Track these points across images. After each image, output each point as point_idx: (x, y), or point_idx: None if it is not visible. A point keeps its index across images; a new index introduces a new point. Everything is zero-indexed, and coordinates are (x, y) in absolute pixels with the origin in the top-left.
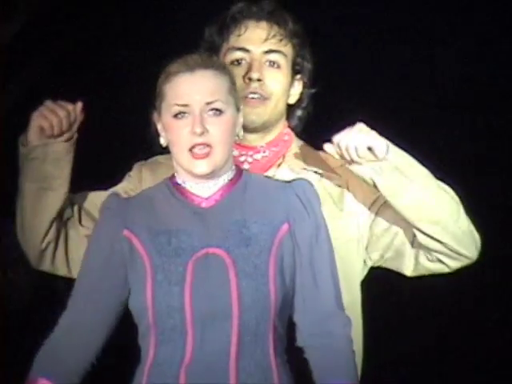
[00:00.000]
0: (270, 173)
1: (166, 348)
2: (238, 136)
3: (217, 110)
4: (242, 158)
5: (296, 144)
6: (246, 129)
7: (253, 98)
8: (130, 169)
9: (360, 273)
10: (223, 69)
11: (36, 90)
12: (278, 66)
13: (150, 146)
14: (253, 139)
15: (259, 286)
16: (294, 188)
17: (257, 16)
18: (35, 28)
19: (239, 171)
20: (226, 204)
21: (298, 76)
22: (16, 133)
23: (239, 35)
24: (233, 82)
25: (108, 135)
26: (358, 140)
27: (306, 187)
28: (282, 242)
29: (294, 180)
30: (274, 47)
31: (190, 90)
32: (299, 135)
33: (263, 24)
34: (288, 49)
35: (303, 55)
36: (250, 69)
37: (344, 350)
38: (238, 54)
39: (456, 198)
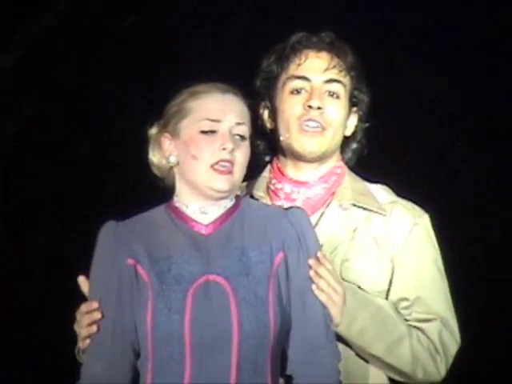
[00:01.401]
0: (323, 210)
1: (164, 376)
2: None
3: (242, 135)
4: (295, 196)
5: (348, 178)
6: (303, 159)
7: (312, 127)
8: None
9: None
10: (242, 97)
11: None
12: (338, 97)
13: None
14: (307, 170)
15: (259, 315)
16: (289, 217)
17: (317, 46)
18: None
19: (238, 199)
20: (226, 231)
21: (355, 109)
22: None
23: (299, 64)
24: (248, 111)
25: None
26: (326, 286)
27: (301, 216)
28: (278, 270)
29: (290, 208)
30: (334, 77)
31: (222, 108)
32: (352, 169)
33: (323, 54)
34: (347, 80)
35: (360, 88)
36: (310, 97)
37: (331, 381)
38: (298, 83)
39: (418, 354)
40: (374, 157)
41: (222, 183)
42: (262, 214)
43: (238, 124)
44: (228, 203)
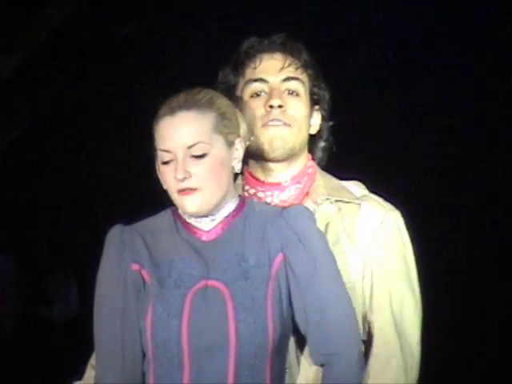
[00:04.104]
0: None
1: (164, 380)
2: (235, 170)
3: (199, 155)
4: (269, 199)
5: (320, 176)
6: (271, 158)
7: (275, 125)
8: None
9: (361, 318)
10: (209, 106)
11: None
12: (298, 94)
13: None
14: (277, 171)
15: (257, 319)
16: (284, 216)
17: (270, 48)
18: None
19: (242, 202)
20: (227, 237)
21: (317, 107)
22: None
23: (255, 68)
24: (223, 117)
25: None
26: None
27: (297, 213)
28: (277, 272)
29: (287, 207)
30: (291, 75)
31: (171, 136)
32: (324, 168)
33: (277, 55)
34: (304, 77)
35: (319, 85)
36: (270, 97)
37: (354, 368)
38: (257, 86)
39: None
40: (347, 155)
41: (190, 207)
42: (262, 216)
43: (191, 147)
44: (228, 209)
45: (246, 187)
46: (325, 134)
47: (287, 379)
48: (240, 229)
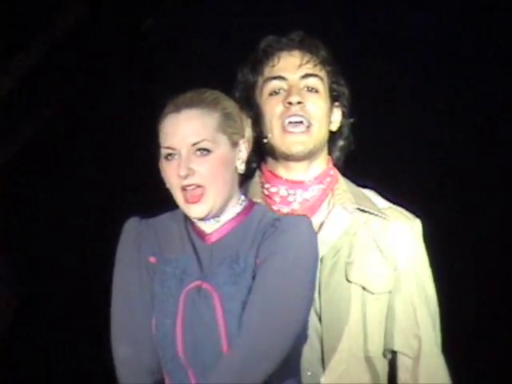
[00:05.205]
0: (323, 212)
1: (175, 379)
2: (238, 171)
3: (204, 149)
4: (291, 198)
5: (344, 181)
6: (291, 158)
7: (295, 123)
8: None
9: (384, 330)
10: (214, 105)
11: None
12: (317, 91)
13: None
14: (299, 169)
15: None
16: (277, 226)
17: (288, 46)
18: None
19: (250, 206)
20: (227, 240)
21: (337, 103)
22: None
23: (273, 66)
24: (227, 117)
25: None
26: None
27: (287, 226)
28: None
29: (285, 217)
30: (309, 71)
31: (174, 132)
32: (341, 171)
33: (295, 52)
34: (323, 74)
35: (338, 81)
36: (289, 94)
37: (236, 373)
38: (276, 83)
39: None
40: (361, 159)
41: (195, 212)
42: (263, 223)
43: (195, 144)
44: (233, 212)
45: (267, 185)
46: (345, 132)
47: (309, 379)
48: (241, 233)
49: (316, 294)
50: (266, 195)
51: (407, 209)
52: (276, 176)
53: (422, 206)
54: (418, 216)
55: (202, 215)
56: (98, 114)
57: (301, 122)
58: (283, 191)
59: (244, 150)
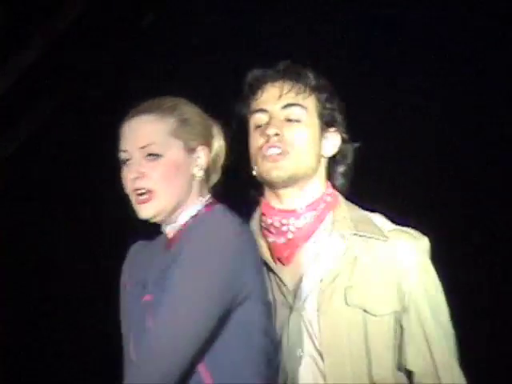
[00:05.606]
0: (319, 239)
1: None
2: (196, 177)
3: (153, 154)
4: (285, 228)
5: (345, 207)
6: (276, 185)
7: (273, 154)
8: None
9: (392, 351)
10: (170, 111)
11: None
12: (298, 120)
13: None
14: (289, 197)
15: None
16: (192, 229)
17: (271, 78)
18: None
19: (208, 209)
20: (179, 244)
21: (333, 129)
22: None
23: (257, 99)
24: (184, 123)
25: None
26: None
27: (198, 229)
28: None
29: (207, 221)
30: (290, 101)
31: (127, 137)
32: (347, 197)
33: (278, 83)
34: (309, 102)
35: (332, 107)
36: (267, 126)
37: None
38: (259, 117)
39: None
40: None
41: (142, 212)
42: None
43: (143, 147)
44: (186, 215)
45: (264, 218)
46: (345, 158)
47: None
48: (186, 235)
49: (314, 320)
50: (264, 228)
51: (416, 228)
52: (270, 207)
53: (428, 223)
54: (425, 234)
55: (149, 215)
56: (98, 114)
57: (279, 153)
58: (277, 222)
59: (203, 156)
